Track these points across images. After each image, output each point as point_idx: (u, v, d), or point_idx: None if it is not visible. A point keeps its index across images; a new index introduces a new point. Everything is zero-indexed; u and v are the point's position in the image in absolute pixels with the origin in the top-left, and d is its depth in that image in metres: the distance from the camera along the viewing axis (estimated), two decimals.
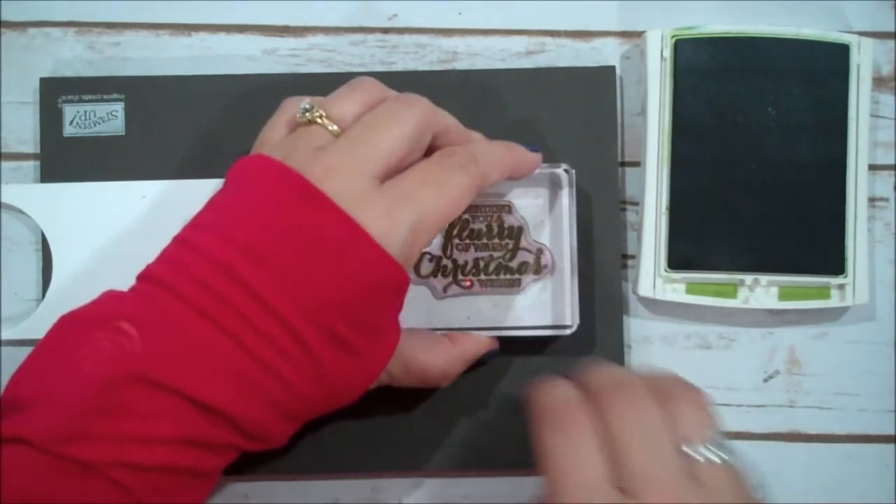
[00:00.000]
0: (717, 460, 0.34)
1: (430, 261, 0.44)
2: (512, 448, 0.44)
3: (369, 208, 0.34)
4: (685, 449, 0.34)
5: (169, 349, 0.32)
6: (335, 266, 0.33)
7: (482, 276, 0.44)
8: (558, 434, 0.35)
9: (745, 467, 0.36)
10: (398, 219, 0.34)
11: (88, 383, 0.32)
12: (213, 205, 0.36)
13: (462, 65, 0.47)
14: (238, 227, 0.34)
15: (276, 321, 0.33)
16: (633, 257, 0.46)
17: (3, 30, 0.47)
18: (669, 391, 0.36)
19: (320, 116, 0.36)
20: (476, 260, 0.44)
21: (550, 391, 0.37)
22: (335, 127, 0.36)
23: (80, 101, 0.45)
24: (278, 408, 0.34)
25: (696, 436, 0.35)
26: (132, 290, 0.35)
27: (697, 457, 0.34)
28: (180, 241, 0.35)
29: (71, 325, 0.34)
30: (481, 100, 0.45)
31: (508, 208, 0.44)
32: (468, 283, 0.44)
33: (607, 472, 0.34)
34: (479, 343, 0.42)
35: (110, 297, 0.35)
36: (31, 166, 0.46)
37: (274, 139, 0.38)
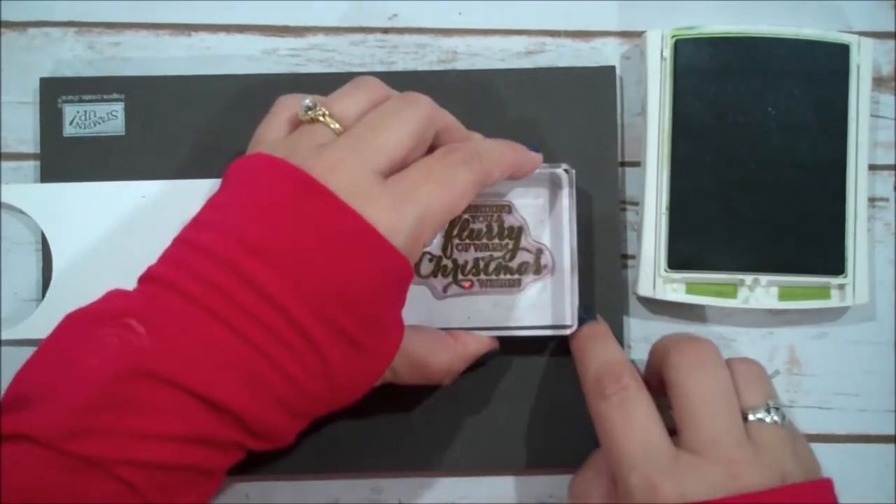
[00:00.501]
0: (774, 423, 0.38)
1: (430, 261, 0.44)
2: (512, 447, 0.44)
3: (374, 203, 0.34)
4: (748, 413, 0.38)
5: (176, 346, 0.32)
6: (341, 261, 0.33)
7: (482, 276, 0.44)
8: (607, 401, 0.38)
9: (801, 434, 0.40)
10: (403, 213, 0.34)
11: (94, 378, 0.32)
12: (213, 204, 0.36)
13: (462, 65, 0.47)
14: (241, 224, 0.34)
15: (282, 317, 0.33)
16: (633, 257, 0.46)
17: (3, 30, 0.47)
18: (731, 359, 0.40)
19: (323, 115, 0.36)
20: (476, 260, 0.44)
21: (594, 356, 0.39)
22: (337, 125, 0.36)
23: (80, 101, 0.45)
24: (285, 405, 0.34)
25: (757, 400, 0.38)
26: (136, 290, 0.35)
27: (758, 421, 0.38)
28: (182, 241, 0.35)
29: (76, 322, 0.34)
30: (481, 100, 0.45)
31: (508, 208, 0.44)
32: (468, 286, 0.44)
33: (663, 429, 0.37)
34: (481, 342, 0.42)
35: (116, 295, 0.35)
36: (31, 166, 0.46)
37: (271, 138, 0.38)
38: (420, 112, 0.36)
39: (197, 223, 0.35)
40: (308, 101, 0.37)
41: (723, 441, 0.36)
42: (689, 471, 0.36)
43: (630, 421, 0.37)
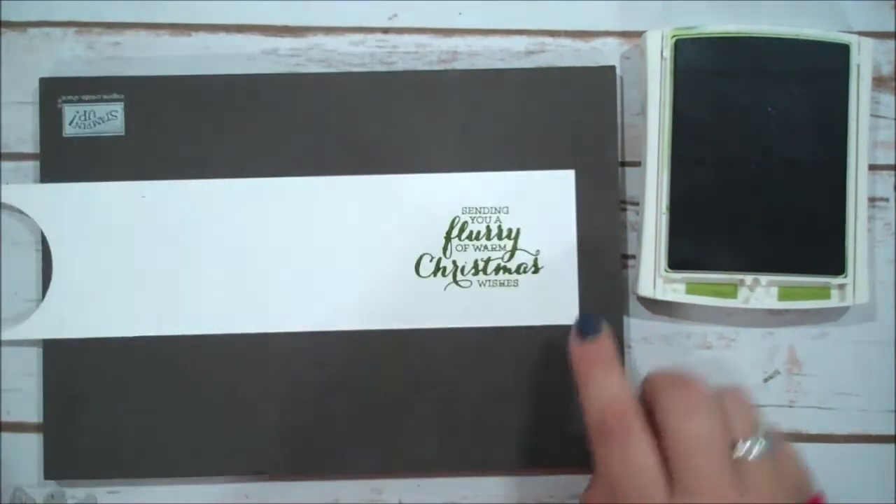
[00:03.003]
0: (762, 456, 0.38)
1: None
2: (511, 447, 0.44)
3: None
4: (736, 448, 0.38)
5: None
6: None
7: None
8: (609, 443, 0.38)
9: (791, 455, 0.39)
10: None
11: None
12: None
13: (462, 65, 0.47)
14: None
15: None
16: (633, 257, 0.46)
17: (3, 30, 0.47)
18: (718, 392, 0.40)
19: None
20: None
21: (598, 390, 0.40)
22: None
23: (80, 101, 0.45)
24: None
25: (745, 434, 0.38)
26: None
27: (745, 455, 0.38)
28: None
29: None
30: (481, 100, 0.45)
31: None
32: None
33: (661, 472, 0.37)
34: None
35: None
36: (31, 166, 0.46)
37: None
38: None
39: None
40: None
41: (714, 484, 0.36)
42: None
43: (630, 465, 0.37)
